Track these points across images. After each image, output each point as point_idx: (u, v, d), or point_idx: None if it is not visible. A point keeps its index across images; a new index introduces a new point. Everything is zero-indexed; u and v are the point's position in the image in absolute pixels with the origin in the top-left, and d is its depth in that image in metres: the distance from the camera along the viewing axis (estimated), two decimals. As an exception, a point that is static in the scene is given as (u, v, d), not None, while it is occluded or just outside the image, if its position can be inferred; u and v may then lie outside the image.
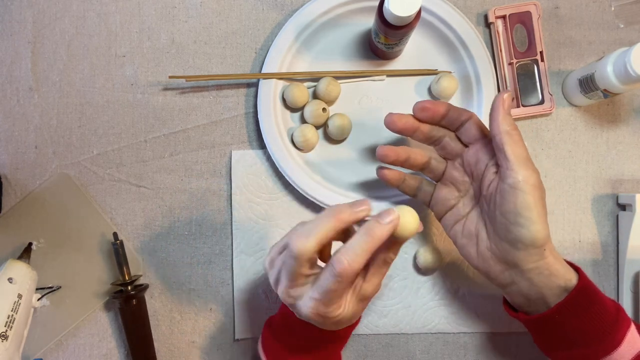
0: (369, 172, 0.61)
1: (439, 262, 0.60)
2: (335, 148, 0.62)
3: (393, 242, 0.46)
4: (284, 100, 0.61)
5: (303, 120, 0.61)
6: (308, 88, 0.61)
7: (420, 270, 0.61)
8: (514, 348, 0.61)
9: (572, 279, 0.48)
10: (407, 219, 0.44)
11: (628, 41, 0.62)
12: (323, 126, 0.61)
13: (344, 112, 0.61)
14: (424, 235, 0.61)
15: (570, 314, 0.47)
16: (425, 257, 0.59)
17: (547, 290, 0.48)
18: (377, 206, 0.59)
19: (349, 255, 0.42)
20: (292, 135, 0.60)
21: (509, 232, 0.48)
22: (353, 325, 0.52)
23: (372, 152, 0.62)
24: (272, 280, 0.47)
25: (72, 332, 0.61)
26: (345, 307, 0.46)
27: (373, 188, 0.61)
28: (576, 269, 0.50)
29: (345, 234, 0.48)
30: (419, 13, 0.51)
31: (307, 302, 0.44)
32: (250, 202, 0.62)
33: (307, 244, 0.41)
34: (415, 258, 0.61)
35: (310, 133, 0.59)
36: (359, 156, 0.62)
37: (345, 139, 0.62)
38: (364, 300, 0.48)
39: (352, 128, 0.61)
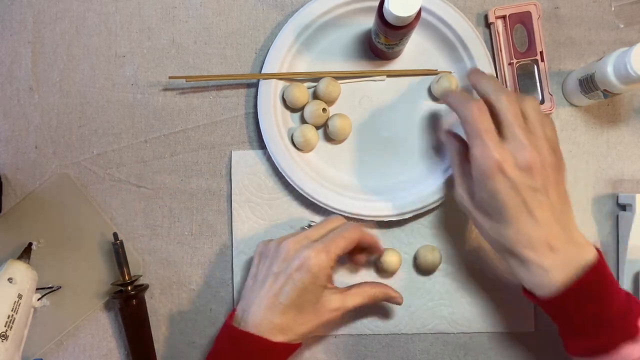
0: (369, 172, 0.62)
1: (439, 262, 0.60)
2: (335, 148, 0.62)
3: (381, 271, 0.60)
4: (284, 100, 0.61)
5: (303, 121, 0.61)
6: (308, 88, 0.61)
7: (420, 270, 0.61)
8: (514, 348, 0.61)
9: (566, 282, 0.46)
10: (391, 257, 0.59)
11: (628, 41, 0.62)
12: (323, 126, 0.61)
13: (344, 112, 0.61)
14: (424, 235, 0.61)
15: (571, 307, 0.46)
16: (425, 257, 0.59)
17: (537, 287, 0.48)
18: (379, 206, 0.59)
19: (352, 229, 0.54)
20: (292, 136, 0.60)
21: None
22: (292, 347, 0.52)
23: (372, 152, 0.62)
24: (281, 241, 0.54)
25: (72, 332, 0.61)
26: (332, 282, 0.55)
27: (373, 187, 0.61)
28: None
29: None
30: (419, 13, 0.51)
31: (315, 245, 0.51)
32: (250, 202, 0.62)
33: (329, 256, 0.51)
34: (415, 258, 0.61)
35: (310, 133, 0.59)
36: (359, 156, 0.62)
37: (345, 139, 0.62)
38: (334, 311, 0.53)
39: (352, 128, 0.61)
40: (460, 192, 0.52)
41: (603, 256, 0.48)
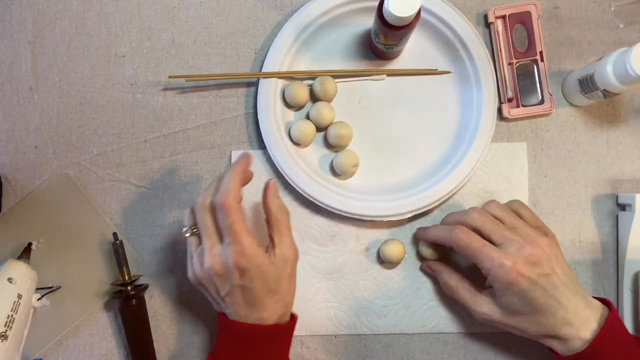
0: (369, 171, 0.62)
1: (441, 253, 0.60)
2: (335, 148, 0.62)
3: None
4: (284, 99, 0.61)
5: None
6: (307, 86, 0.61)
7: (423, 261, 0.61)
8: (514, 348, 0.61)
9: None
10: (393, 248, 0.59)
11: (628, 41, 0.62)
12: (324, 130, 0.61)
13: (344, 111, 0.61)
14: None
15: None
16: (427, 248, 0.59)
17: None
18: (379, 206, 0.59)
19: (222, 191, 0.49)
20: (289, 130, 0.60)
21: None
22: (287, 326, 0.53)
23: (371, 152, 0.62)
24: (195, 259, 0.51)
25: (72, 332, 0.61)
26: (264, 246, 0.52)
27: (373, 187, 0.61)
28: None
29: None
30: (418, 13, 0.51)
31: (227, 245, 0.49)
32: (250, 202, 0.61)
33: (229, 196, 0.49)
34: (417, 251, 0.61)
35: (308, 127, 0.59)
36: (359, 156, 0.61)
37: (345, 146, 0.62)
38: (290, 259, 0.51)
39: (352, 128, 0.61)
40: (482, 310, 0.54)
41: (612, 304, 0.53)
